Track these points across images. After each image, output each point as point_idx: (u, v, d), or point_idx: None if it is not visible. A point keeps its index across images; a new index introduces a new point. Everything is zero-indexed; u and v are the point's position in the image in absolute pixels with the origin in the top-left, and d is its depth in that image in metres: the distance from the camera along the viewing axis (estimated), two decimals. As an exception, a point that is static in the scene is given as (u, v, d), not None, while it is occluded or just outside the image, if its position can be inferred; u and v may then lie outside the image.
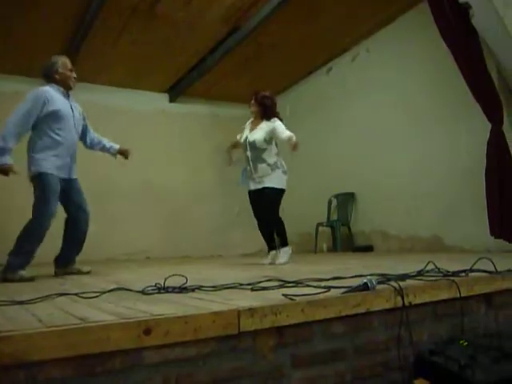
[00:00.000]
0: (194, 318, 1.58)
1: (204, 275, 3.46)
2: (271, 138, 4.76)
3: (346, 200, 7.16)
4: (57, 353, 1.37)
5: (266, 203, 4.75)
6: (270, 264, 4.67)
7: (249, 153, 4.83)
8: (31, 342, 1.35)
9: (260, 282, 2.48)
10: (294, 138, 4.43)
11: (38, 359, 1.35)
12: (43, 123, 3.82)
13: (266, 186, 4.74)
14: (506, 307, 2.49)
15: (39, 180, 3.79)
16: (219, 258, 5.41)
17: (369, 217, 6.87)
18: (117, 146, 4.52)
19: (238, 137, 5.08)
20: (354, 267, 3.50)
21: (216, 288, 2.32)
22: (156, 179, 7.69)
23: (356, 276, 2.53)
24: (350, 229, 7.11)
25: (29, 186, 3.84)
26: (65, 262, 4.08)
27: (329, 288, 2.07)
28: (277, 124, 4.73)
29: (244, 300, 1.90)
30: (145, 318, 1.52)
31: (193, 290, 2.28)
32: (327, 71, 7.65)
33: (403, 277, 2.34)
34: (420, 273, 2.51)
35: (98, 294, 2.22)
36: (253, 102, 4.91)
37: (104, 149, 4.51)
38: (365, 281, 2.01)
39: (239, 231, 8.15)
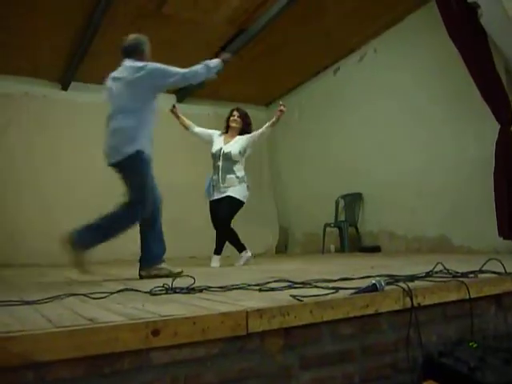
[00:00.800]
0: (202, 318, 1.58)
1: (211, 276, 3.46)
2: (245, 150, 5.09)
3: (354, 201, 7.14)
4: (66, 353, 1.37)
5: (224, 211, 5.01)
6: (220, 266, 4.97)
7: (221, 163, 5.04)
8: (40, 343, 1.35)
9: (268, 283, 2.48)
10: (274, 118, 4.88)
11: (46, 359, 1.35)
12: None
13: (230, 194, 4.99)
14: (515, 309, 2.48)
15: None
16: (226, 258, 5.41)
17: (376, 217, 6.85)
18: None
19: (200, 130, 5.31)
20: (361, 268, 3.49)
21: (224, 289, 2.32)
22: (163, 179, 7.58)
23: (364, 277, 2.52)
24: (357, 229, 7.09)
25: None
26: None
27: (337, 289, 2.06)
28: (250, 134, 5.16)
29: (252, 301, 1.89)
30: (153, 319, 1.52)
31: (200, 291, 2.28)
32: (334, 71, 7.64)
33: (412, 278, 2.33)
34: (429, 274, 2.49)
35: (106, 294, 2.23)
36: (236, 118, 5.19)
37: None
38: (373, 282, 2.00)
39: (246, 232, 8.12)
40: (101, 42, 6.11)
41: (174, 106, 5.23)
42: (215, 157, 5.10)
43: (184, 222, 7.78)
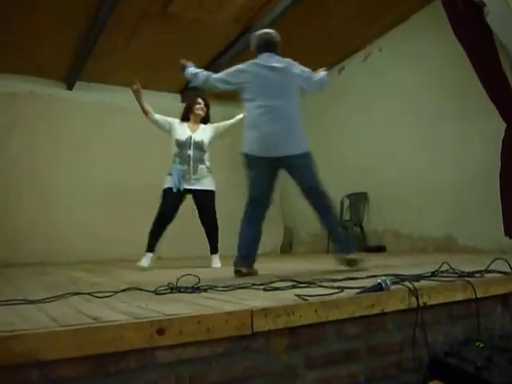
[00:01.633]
0: (207, 317, 1.58)
1: (216, 275, 3.46)
2: (212, 140, 4.91)
3: (359, 200, 7.12)
4: (70, 352, 1.37)
5: (211, 207, 4.86)
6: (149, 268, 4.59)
7: (191, 152, 4.75)
8: (44, 342, 1.35)
9: (273, 282, 2.47)
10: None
11: (51, 358, 1.35)
12: None
13: (209, 188, 4.83)
14: (522, 308, 2.46)
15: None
16: (232, 258, 5.40)
17: (381, 217, 6.82)
18: None
19: (160, 117, 4.91)
20: (366, 267, 3.47)
21: (229, 288, 2.31)
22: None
23: (370, 276, 2.51)
24: (362, 229, 7.07)
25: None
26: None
27: (342, 288, 2.05)
28: (216, 124, 5.00)
29: (257, 300, 1.89)
30: (158, 318, 1.52)
31: (205, 290, 2.28)
32: (339, 71, 7.61)
33: (417, 277, 2.32)
34: (434, 273, 2.48)
35: (111, 293, 2.22)
36: (203, 106, 4.98)
37: None
38: (379, 281, 1.99)
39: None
40: (106, 42, 6.12)
41: (137, 86, 4.69)
42: (184, 145, 4.75)
43: (188, 222, 7.77)
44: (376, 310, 1.93)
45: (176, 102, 8.12)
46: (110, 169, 7.35)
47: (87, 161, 7.33)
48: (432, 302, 2.08)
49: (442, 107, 5.80)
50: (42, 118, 7.20)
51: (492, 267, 2.54)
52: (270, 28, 5.97)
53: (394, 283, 2.07)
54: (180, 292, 2.27)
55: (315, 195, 3.52)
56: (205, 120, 5.00)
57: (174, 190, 4.66)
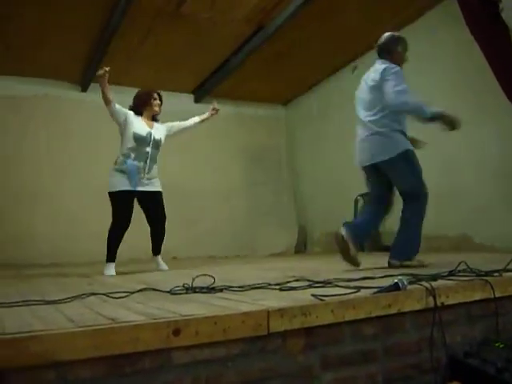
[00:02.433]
0: (224, 318, 1.57)
1: (231, 275, 3.45)
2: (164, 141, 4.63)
3: (373, 199, 7.06)
4: (87, 353, 1.37)
5: (163, 207, 4.57)
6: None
7: (150, 149, 4.41)
8: (62, 342, 1.35)
9: (288, 282, 2.46)
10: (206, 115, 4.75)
11: (68, 359, 1.35)
12: None
13: (160, 190, 4.55)
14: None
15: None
16: (246, 257, 5.39)
17: (396, 216, 6.75)
18: None
19: (119, 107, 4.43)
20: (382, 267, 3.45)
21: (244, 288, 2.30)
22: (182, 179, 7.71)
23: (386, 276, 2.49)
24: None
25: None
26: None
27: (358, 288, 2.04)
28: (169, 123, 4.76)
29: (273, 300, 1.88)
30: (174, 319, 1.52)
31: (221, 290, 2.27)
32: (353, 70, 7.57)
33: (435, 277, 2.30)
34: (452, 273, 2.45)
35: (127, 294, 2.23)
36: (159, 101, 4.63)
37: None
38: (395, 281, 1.97)
39: (265, 231, 8.14)
40: (119, 44, 6.14)
41: (103, 70, 4.13)
42: (144, 141, 4.38)
43: (201, 222, 7.81)
44: (393, 310, 1.91)
45: (189, 103, 8.16)
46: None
47: (101, 162, 7.36)
48: (450, 301, 2.05)
49: (457, 105, 5.73)
50: (56, 119, 7.27)
51: (510, 266, 2.50)
52: (282, 27, 5.98)
53: (410, 283, 2.05)
54: (195, 292, 2.27)
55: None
56: (154, 117, 4.66)
57: (133, 189, 4.30)
